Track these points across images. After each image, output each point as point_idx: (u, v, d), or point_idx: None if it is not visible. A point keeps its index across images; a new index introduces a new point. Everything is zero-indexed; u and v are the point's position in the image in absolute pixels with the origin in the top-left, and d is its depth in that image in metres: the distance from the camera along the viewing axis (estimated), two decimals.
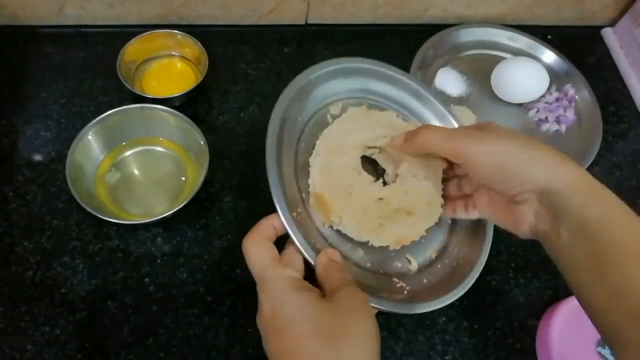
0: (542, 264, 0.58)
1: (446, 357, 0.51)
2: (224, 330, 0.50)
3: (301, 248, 0.38)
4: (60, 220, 0.54)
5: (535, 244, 0.59)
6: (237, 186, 0.58)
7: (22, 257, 0.52)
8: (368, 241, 0.42)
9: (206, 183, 0.54)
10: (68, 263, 0.52)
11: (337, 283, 0.34)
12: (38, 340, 0.48)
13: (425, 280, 0.46)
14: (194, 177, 0.57)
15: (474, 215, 0.44)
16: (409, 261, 0.46)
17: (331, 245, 0.42)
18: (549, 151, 0.34)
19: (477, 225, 0.49)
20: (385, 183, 0.46)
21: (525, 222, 0.36)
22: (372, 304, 0.38)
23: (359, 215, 0.41)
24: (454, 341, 0.52)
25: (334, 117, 0.48)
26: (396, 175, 0.45)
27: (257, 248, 0.36)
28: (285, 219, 0.38)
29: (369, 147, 0.47)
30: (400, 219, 0.42)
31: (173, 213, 0.51)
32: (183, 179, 0.57)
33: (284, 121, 0.46)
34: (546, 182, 0.33)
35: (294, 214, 0.40)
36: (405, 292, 0.44)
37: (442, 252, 0.48)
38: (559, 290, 0.56)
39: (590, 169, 0.62)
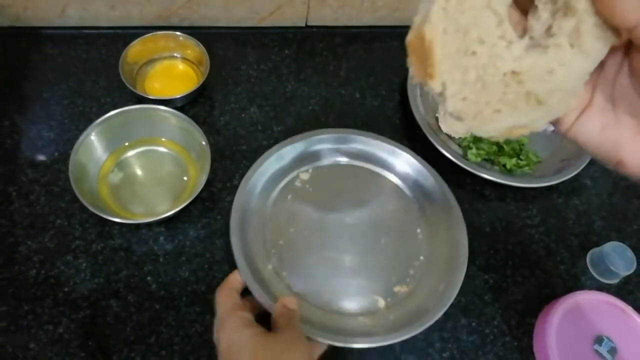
0: (539, 262, 0.59)
1: (444, 355, 0.52)
2: None
3: (258, 298, 0.48)
4: (64, 219, 0.55)
5: (532, 242, 0.60)
6: (238, 186, 0.59)
7: (25, 256, 0.52)
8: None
9: (208, 183, 0.54)
10: (71, 262, 0.53)
11: (284, 323, 0.44)
12: (41, 338, 0.49)
13: (392, 317, 0.51)
14: (195, 177, 0.57)
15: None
16: (377, 300, 0.53)
17: (294, 294, 0.52)
18: None
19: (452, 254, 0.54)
20: (529, 42, 0.27)
21: None
22: (320, 338, 0.47)
23: (472, 88, 0.27)
24: (452, 339, 0.53)
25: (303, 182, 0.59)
26: (550, 34, 0.26)
27: (223, 297, 0.46)
28: (246, 278, 0.49)
29: None
30: (524, 108, 0.28)
31: (175, 212, 0.51)
32: (185, 178, 0.58)
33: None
34: None
35: (267, 267, 0.53)
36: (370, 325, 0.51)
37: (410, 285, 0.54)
38: (556, 288, 0.57)
39: (588, 168, 0.63)
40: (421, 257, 0.55)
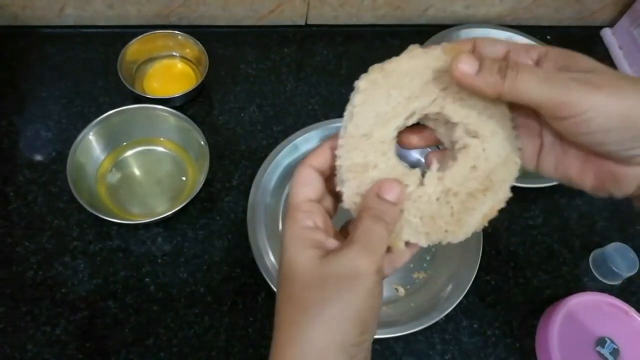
0: (541, 263, 0.58)
1: (446, 357, 0.52)
2: (224, 330, 0.50)
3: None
4: (61, 220, 0.54)
5: (534, 243, 0.60)
6: (237, 186, 0.58)
7: (23, 257, 0.52)
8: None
9: (206, 183, 0.54)
10: (69, 263, 0.52)
11: (355, 235, 0.28)
12: (39, 340, 0.48)
13: (413, 305, 0.52)
14: (194, 177, 0.57)
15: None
16: (397, 289, 0.54)
17: None
18: None
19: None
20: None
21: (632, 184, 0.28)
22: None
23: (425, 224, 0.30)
24: (453, 340, 0.52)
25: None
26: (453, 145, 0.31)
27: (296, 184, 0.30)
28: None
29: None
30: (478, 202, 0.30)
31: (173, 213, 0.51)
32: (183, 179, 0.57)
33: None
34: None
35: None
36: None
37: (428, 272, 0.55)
38: (558, 290, 0.57)
39: None
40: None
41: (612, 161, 0.28)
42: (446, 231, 0.30)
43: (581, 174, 0.29)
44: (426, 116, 0.30)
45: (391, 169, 0.29)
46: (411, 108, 0.29)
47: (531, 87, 0.26)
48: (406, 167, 0.30)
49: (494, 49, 0.29)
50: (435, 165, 0.30)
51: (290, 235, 0.28)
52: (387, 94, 0.29)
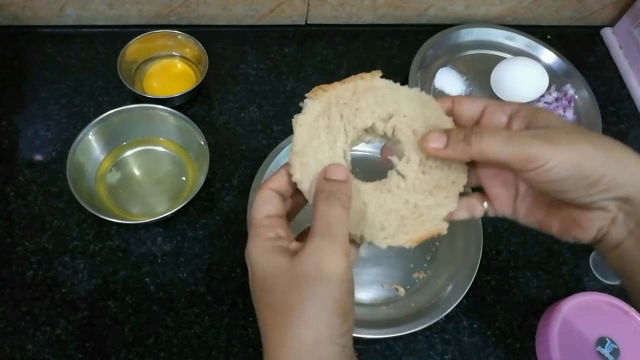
0: (541, 263, 0.58)
1: (446, 357, 0.52)
2: (225, 330, 0.50)
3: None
4: (61, 220, 0.54)
5: (534, 243, 0.60)
6: (237, 186, 0.58)
7: (22, 257, 0.52)
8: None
9: (206, 183, 0.54)
10: (69, 263, 0.52)
11: (314, 226, 0.28)
12: (39, 340, 0.48)
13: (413, 304, 0.53)
14: (194, 177, 0.57)
15: (491, 214, 0.35)
16: (397, 289, 0.54)
17: None
18: (631, 152, 0.30)
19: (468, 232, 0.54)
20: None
21: (593, 229, 0.31)
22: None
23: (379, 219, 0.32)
24: (453, 340, 0.52)
25: None
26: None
27: (258, 203, 0.31)
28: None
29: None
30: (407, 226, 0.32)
31: (173, 213, 0.51)
32: (183, 178, 0.57)
33: None
34: (633, 187, 0.29)
35: None
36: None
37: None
38: (559, 290, 0.56)
39: None
40: (436, 242, 0.57)
41: (574, 208, 0.31)
42: (385, 237, 0.31)
43: (547, 219, 0.33)
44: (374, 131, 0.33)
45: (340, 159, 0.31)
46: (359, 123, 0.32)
47: (496, 147, 0.29)
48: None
49: (470, 107, 0.32)
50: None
51: (256, 250, 0.29)
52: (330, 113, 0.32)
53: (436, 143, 0.31)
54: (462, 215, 0.34)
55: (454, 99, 0.33)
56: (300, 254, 0.28)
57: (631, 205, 0.29)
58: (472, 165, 0.34)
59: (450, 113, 0.33)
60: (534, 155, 0.29)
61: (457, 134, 0.30)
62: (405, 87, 0.33)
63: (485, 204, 0.34)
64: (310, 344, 0.26)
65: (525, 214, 0.33)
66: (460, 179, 0.32)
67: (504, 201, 0.34)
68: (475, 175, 0.34)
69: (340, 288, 0.27)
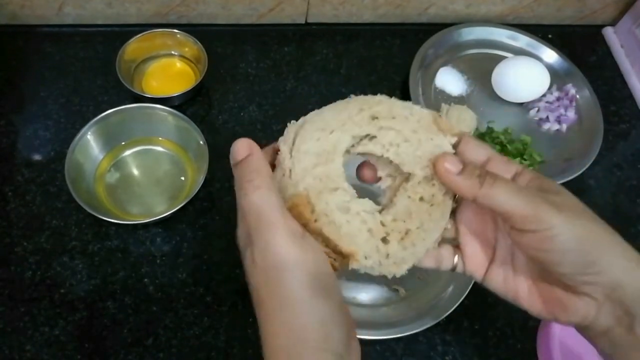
0: None
1: (446, 358, 0.51)
2: (224, 331, 0.50)
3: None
4: (60, 220, 0.54)
5: None
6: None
7: (21, 257, 0.52)
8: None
9: (206, 183, 0.53)
10: (67, 263, 0.52)
11: (248, 226, 0.26)
12: (37, 340, 0.48)
13: (414, 305, 0.52)
14: (193, 176, 0.56)
15: (460, 270, 0.33)
16: (397, 290, 0.54)
17: None
18: (622, 241, 0.29)
19: None
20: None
21: (578, 313, 0.29)
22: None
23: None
24: (454, 341, 0.52)
25: None
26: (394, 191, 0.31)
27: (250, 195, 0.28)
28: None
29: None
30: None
31: (172, 213, 0.51)
32: (182, 178, 0.57)
33: None
34: (621, 275, 0.28)
35: None
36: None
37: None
38: None
39: (591, 169, 0.62)
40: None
41: (561, 288, 0.30)
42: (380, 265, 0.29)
43: (529, 295, 0.31)
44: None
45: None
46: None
47: (505, 197, 0.28)
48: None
49: (476, 152, 0.30)
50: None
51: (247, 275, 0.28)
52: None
53: (452, 166, 0.29)
54: (427, 263, 0.32)
55: (462, 137, 0.31)
56: (256, 256, 0.26)
57: (622, 290, 0.28)
58: (453, 215, 0.32)
59: (454, 146, 0.31)
60: (540, 216, 0.27)
61: (473, 169, 0.29)
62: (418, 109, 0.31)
63: (456, 258, 0.33)
64: (298, 330, 0.25)
65: (502, 283, 0.32)
66: (435, 230, 0.30)
67: (477, 263, 0.32)
68: (455, 228, 0.32)
69: (303, 271, 0.25)
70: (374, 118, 0.30)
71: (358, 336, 0.32)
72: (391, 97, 0.31)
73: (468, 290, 0.51)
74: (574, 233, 0.27)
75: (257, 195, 0.26)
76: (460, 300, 0.51)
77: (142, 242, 0.54)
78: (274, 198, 0.26)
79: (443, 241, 0.32)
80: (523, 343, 0.53)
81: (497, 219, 0.32)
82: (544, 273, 0.30)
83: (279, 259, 0.25)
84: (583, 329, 0.30)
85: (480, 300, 0.54)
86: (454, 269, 0.33)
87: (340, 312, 0.26)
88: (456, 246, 0.33)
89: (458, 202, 0.32)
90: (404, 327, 0.49)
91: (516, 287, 0.31)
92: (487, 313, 0.54)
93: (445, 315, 0.50)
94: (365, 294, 0.53)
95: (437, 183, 0.30)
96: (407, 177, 0.30)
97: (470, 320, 0.53)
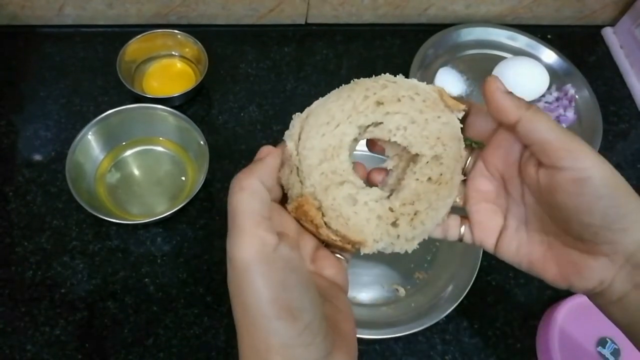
0: None
1: (446, 357, 0.51)
2: (224, 331, 0.50)
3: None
4: (60, 220, 0.54)
5: None
6: None
7: (22, 257, 0.52)
8: None
9: (206, 183, 0.54)
10: (68, 263, 0.52)
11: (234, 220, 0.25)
12: (38, 340, 0.48)
13: (413, 305, 0.53)
14: (193, 177, 0.57)
15: (467, 240, 0.32)
16: (397, 290, 0.54)
17: None
18: None
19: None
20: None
21: (594, 279, 0.28)
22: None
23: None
24: (454, 341, 0.52)
25: None
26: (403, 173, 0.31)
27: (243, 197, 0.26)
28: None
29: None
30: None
31: (173, 213, 0.51)
32: (183, 178, 0.57)
33: None
34: None
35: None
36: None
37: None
38: (559, 290, 0.56)
39: None
40: (437, 243, 0.56)
41: (578, 250, 0.28)
42: (392, 243, 0.29)
43: (544, 261, 0.30)
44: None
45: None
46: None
47: (546, 125, 0.27)
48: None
49: (486, 122, 0.30)
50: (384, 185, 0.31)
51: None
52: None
53: (501, 85, 0.28)
54: (435, 234, 0.31)
55: (472, 107, 0.30)
56: (228, 262, 0.24)
57: None
58: (461, 185, 0.31)
59: (461, 121, 0.30)
60: (576, 153, 0.26)
61: (519, 98, 0.28)
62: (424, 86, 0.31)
63: (462, 228, 0.31)
64: (263, 352, 0.23)
65: (515, 251, 0.30)
66: (444, 207, 0.30)
67: (487, 230, 0.31)
68: (463, 198, 0.31)
69: (266, 287, 0.23)
70: (379, 104, 0.30)
71: (358, 336, 0.31)
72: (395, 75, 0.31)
73: (467, 290, 0.51)
74: (608, 179, 0.26)
75: (237, 197, 0.24)
76: (460, 300, 0.51)
77: (143, 242, 0.54)
78: (253, 203, 0.24)
79: (450, 211, 0.31)
80: (522, 342, 0.53)
81: (513, 179, 0.30)
82: (562, 234, 0.29)
83: (241, 267, 0.23)
84: (596, 296, 0.29)
85: (480, 300, 0.55)
86: (460, 239, 0.32)
87: (309, 333, 0.24)
88: (463, 217, 0.32)
89: (466, 174, 0.31)
90: (404, 326, 0.50)
91: (530, 253, 0.30)
92: (487, 313, 0.54)
93: (445, 315, 0.50)
94: (365, 294, 0.53)
95: (446, 161, 0.29)
96: (415, 157, 0.30)
97: (469, 320, 0.53)
